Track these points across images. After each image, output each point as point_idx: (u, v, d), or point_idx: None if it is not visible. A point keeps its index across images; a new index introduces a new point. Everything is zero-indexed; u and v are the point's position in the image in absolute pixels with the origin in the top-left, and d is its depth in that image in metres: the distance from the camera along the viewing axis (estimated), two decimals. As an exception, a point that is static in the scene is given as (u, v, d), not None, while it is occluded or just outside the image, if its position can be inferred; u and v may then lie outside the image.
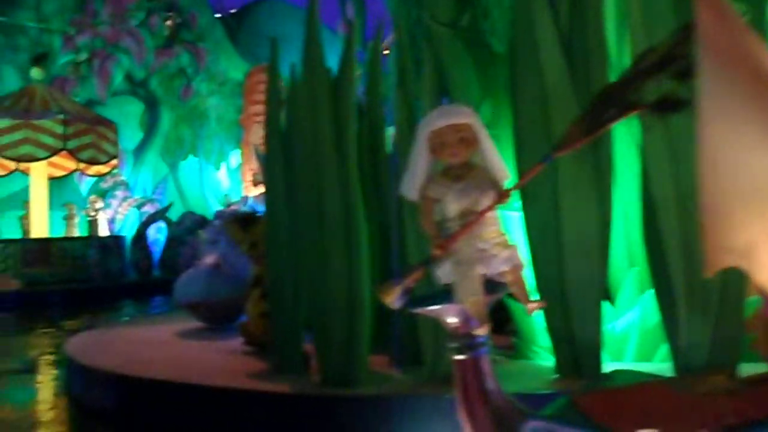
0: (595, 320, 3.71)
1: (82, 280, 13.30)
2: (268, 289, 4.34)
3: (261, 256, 4.89)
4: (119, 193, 16.65)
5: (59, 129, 13.57)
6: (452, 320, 2.61)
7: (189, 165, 19.39)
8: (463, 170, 2.46)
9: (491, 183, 2.47)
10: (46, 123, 13.53)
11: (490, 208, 2.46)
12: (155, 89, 18.16)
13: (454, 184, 2.45)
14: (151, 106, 18.33)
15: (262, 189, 7.08)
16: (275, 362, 4.24)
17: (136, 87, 18.03)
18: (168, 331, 6.11)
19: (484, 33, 4.42)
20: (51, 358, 6.99)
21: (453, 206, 2.41)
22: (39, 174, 14.39)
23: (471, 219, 2.41)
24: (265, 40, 18.86)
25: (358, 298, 3.72)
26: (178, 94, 18.49)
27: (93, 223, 15.23)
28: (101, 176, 16.11)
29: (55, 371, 6.24)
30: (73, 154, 13.85)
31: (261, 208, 7.00)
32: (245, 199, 7.12)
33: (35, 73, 14.41)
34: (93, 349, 5.44)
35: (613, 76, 3.79)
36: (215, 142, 19.53)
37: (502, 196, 2.41)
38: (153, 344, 5.50)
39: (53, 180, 14.90)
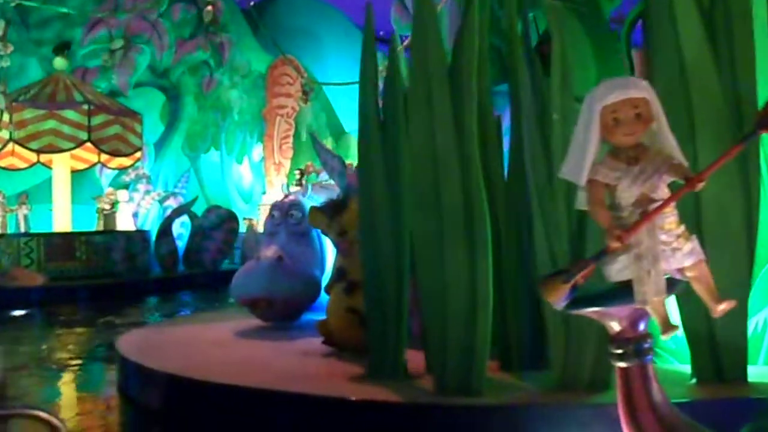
0: (740, 319, 3.34)
1: (108, 275, 12.93)
2: (364, 284, 3.95)
3: (349, 247, 4.53)
4: (141, 187, 16.28)
5: (83, 119, 13.17)
6: (617, 323, 2.31)
7: (211, 158, 19.02)
8: (637, 151, 2.14)
9: (670, 166, 2.15)
10: (70, 113, 13.13)
11: (679, 195, 2.14)
12: (177, 81, 17.78)
13: (630, 168, 2.14)
14: (173, 98, 17.94)
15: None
16: (371, 365, 3.87)
17: (157, 78, 17.65)
18: (226, 330, 5.73)
19: (600, 6, 4.04)
20: (93, 356, 6.66)
21: (628, 192, 2.10)
22: (62, 166, 14.02)
23: (653, 207, 2.11)
24: (287, 32, 18.46)
25: (481, 296, 3.34)
26: (200, 85, 18.10)
27: (109, 217, 14.85)
28: (123, 169, 15.75)
29: (103, 369, 5.90)
30: (96, 145, 13.46)
31: (319, 199, 6.63)
32: (305, 188, 6.72)
33: (58, 62, 14.02)
34: (149, 348, 5.07)
35: (760, 47, 3.44)
36: (237, 135, 19.14)
37: (693, 181, 2.09)
38: (215, 344, 5.13)
39: (74, 173, 14.53)
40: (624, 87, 2.16)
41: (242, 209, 17.95)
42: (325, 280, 5.50)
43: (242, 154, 19.40)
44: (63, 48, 14.25)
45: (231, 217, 14.87)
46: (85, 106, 13.20)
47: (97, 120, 13.38)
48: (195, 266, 14.72)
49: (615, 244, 2.05)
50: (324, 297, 5.02)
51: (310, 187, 6.46)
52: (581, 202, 2.20)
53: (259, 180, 19.49)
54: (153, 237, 14.29)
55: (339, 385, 3.71)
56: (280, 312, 5.64)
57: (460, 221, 3.40)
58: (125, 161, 14.96)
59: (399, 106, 3.83)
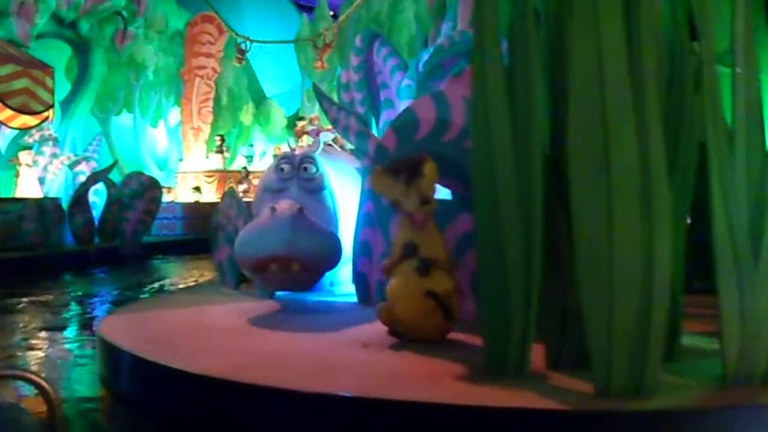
0: None
1: (17, 247, 11.45)
2: (479, 264, 3.23)
3: (425, 219, 3.79)
4: (47, 150, 14.58)
5: (-15, 70, 11.49)
6: None
7: (122, 121, 17.43)
8: None
9: None
10: (-32, 63, 11.43)
11: None
12: (87, 33, 16.02)
13: None
14: (82, 52, 16.18)
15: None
16: (488, 361, 3.19)
17: (64, 29, 15.83)
18: (233, 313, 4.88)
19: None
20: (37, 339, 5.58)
21: None
22: (-43, 123, 12.23)
23: None
24: None
25: (658, 280, 2.73)
26: (112, 40, 16.41)
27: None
28: (26, 129, 14.00)
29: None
30: (2, 100, 11.80)
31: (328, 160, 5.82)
32: (317, 142, 5.90)
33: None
34: (153, 339, 4.15)
35: None
36: (152, 96, 17.61)
37: None
38: (235, 333, 4.27)
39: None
40: None
41: (157, 177, 16.53)
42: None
43: (157, 117, 17.89)
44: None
45: (153, 185, 13.57)
46: (-12, 55, 11.51)
47: (2, 71, 11.71)
48: (112, 239, 13.38)
49: None
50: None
51: (322, 143, 5.63)
52: None
53: (175, 146, 18.06)
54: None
55: (457, 389, 3.00)
56: (297, 276, 4.80)
57: (635, 188, 2.77)
58: (30, 120, 13.18)
59: (532, 45, 3.13)
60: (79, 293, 8.84)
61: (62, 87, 16.00)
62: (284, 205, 4.78)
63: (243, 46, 13.71)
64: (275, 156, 6.14)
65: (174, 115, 17.90)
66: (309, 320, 4.62)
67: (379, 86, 8.23)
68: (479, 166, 3.23)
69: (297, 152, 5.39)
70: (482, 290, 3.24)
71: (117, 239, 13.36)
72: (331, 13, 20.46)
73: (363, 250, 5.23)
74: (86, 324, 6.40)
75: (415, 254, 3.81)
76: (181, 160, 17.46)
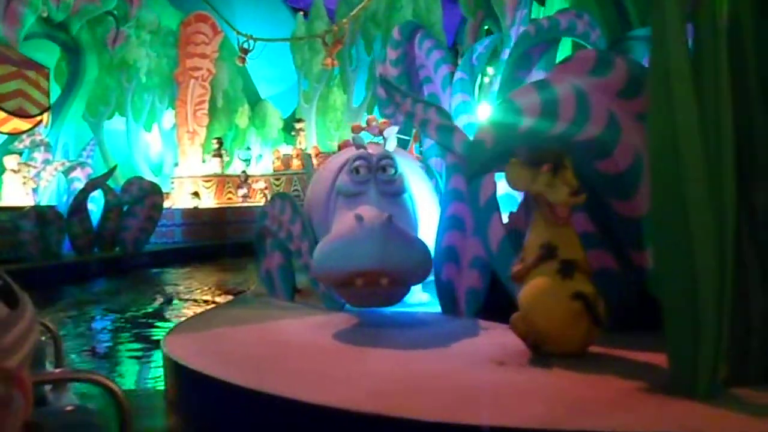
0: None
1: (14, 259, 10.77)
2: (662, 267, 2.78)
3: (567, 216, 3.34)
4: (39, 155, 13.87)
5: (-22, 71, 10.85)
6: None
7: (114, 125, 16.72)
8: None
9: None
10: (-39, 64, 10.78)
11: None
12: (77, 34, 15.29)
13: None
14: (72, 54, 15.44)
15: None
16: (676, 379, 2.74)
17: (53, 30, 15.10)
18: (311, 329, 4.39)
19: None
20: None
21: None
22: (-52, 128, 11.54)
23: None
24: None
25: None
26: (103, 41, 15.70)
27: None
28: (17, 134, 13.31)
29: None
30: (-4, 102, 11.14)
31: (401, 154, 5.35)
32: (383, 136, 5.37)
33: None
34: (235, 361, 3.66)
35: None
36: (145, 99, 16.92)
37: None
38: (334, 354, 3.77)
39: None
40: None
41: (152, 183, 15.87)
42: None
43: (151, 120, 17.20)
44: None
45: (155, 191, 12.96)
46: (-19, 55, 10.86)
47: (-5, 72, 11.05)
48: (111, 248, 12.73)
49: None
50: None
51: (390, 141, 5.12)
52: None
53: (170, 150, 17.38)
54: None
55: (652, 414, 2.55)
56: (386, 291, 4.32)
57: None
58: (21, 125, 12.57)
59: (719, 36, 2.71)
60: (103, 317, 8.26)
61: (52, 90, 15.27)
62: (371, 213, 4.27)
63: (246, 45, 13.16)
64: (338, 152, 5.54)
65: (168, 118, 17.23)
66: (407, 336, 4.13)
67: (421, 80, 7.76)
68: (661, 165, 2.79)
69: (372, 150, 4.87)
70: (667, 301, 2.79)
71: (117, 248, 12.72)
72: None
73: (448, 255, 4.75)
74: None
75: (554, 256, 3.35)
76: (176, 164, 16.78)
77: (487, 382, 3.05)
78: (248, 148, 17.24)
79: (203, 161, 16.73)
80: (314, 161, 15.71)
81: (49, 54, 14.92)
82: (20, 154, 13.86)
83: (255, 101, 18.75)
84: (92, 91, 15.69)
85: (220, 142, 16.62)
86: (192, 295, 9.12)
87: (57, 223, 11.52)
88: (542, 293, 3.34)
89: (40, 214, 11.25)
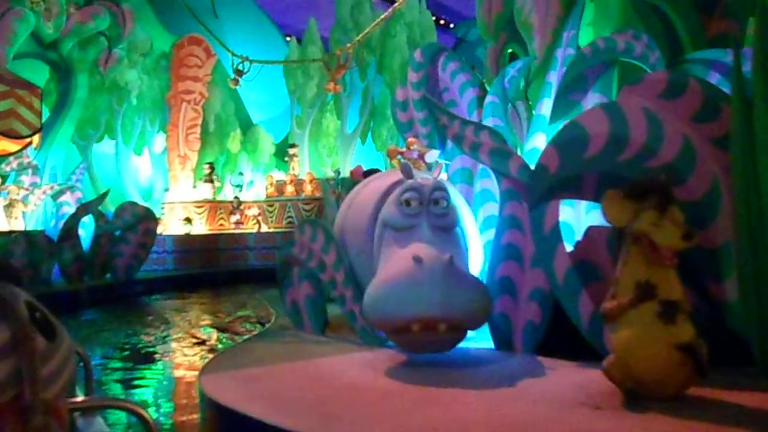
0: None
1: (2, 286, 10.21)
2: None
3: (675, 257, 3.02)
4: (26, 179, 13.36)
5: (-31, 90, 10.42)
6: None
7: (103, 148, 16.26)
8: None
9: None
10: (-50, 82, 10.33)
11: None
12: (68, 55, 14.88)
13: None
14: (62, 74, 15.01)
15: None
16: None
17: (44, 50, 14.69)
18: (354, 367, 4.04)
19: None
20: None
21: None
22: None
23: None
24: (180, 10, 16.04)
25: None
26: (94, 62, 15.28)
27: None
28: (4, 156, 12.82)
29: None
30: (-13, 123, 10.69)
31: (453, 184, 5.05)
32: (437, 165, 5.00)
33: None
34: (277, 404, 3.31)
35: None
36: (136, 122, 16.48)
37: None
38: (391, 397, 3.43)
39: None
40: None
41: (141, 208, 15.37)
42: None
43: (141, 144, 16.74)
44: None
45: (148, 216, 12.47)
46: (-27, 74, 10.43)
47: (-14, 91, 10.62)
48: (101, 275, 12.21)
49: None
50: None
51: (438, 166, 4.80)
52: None
53: (160, 174, 16.91)
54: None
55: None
56: (443, 338, 4.00)
57: None
58: (9, 146, 12.11)
59: None
60: (106, 348, 7.80)
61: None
62: (431, 254, 3.95)
63: (240, 67, 12.86)
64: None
65: (159, 141, 16.80)
66: (471, 376, 3.79)
67: (445, 104, 7.52)
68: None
69: (422, 180, 4.53)
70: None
71: (108, 275, 12.21)
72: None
73: (504, 287, 4.44)
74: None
75: (653, 296, 3.05)
76: (166, 189, 16.31)
77: (589, 430, 2.73)
78: (240, 174, 16.84)
79: (194, 186, 16.29)
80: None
81: (37, 74, 14.48)
82: (5, 178, 13.35)
83: (247, 126, 18.40)
84: (82, 113, 15.24)
85: (212, 167, 16.21)
86: (193, 324, 8.69)
87: (47, 249, 11.02)
88: (642, 340, 3.03)
89: (30, 239, 10.75)
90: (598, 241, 4.11)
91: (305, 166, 17.80)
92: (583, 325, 3.91)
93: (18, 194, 12.70)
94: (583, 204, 4.71)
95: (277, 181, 16.21)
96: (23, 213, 12.66)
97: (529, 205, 4.18)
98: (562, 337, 4.14)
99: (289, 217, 15.64)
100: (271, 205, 15.80)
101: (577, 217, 4.79)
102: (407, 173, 4.60)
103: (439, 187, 4.44)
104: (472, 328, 4.14)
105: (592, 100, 4.82)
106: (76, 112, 15.05)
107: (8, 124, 11.02)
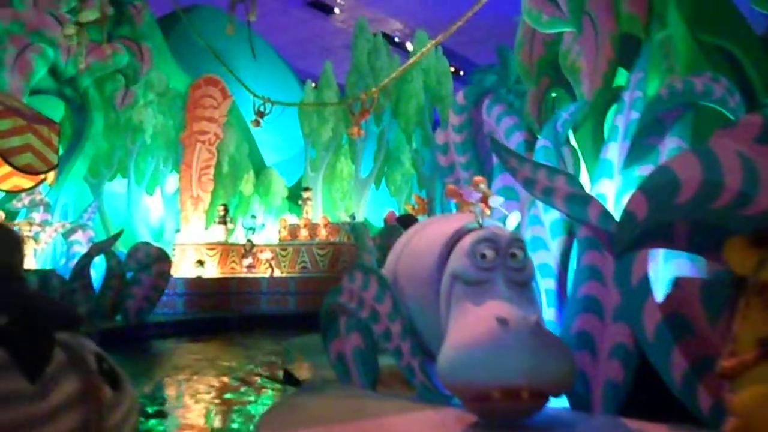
0: None
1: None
2: None
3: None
4: (37, 216, 13.05)
5: (-12, 124, 10.13)
6: None
7: (114, 187, 15.98)
8: None
9: None
10: (-32, 115, 10.06)
11: None
12: (84, 91, 14.71)
13: None
14: (78, 111, 14.82)
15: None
16: None
17: (61, 85, 14.53)
18: (430, 428, 3.68)
19: None
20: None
21: None
22: (-51, 184, 10.72)
23: None
24: (197, 51, 15.94)
25: None
26: (111, 99, 15.11)
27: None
28: (16, 192, 12.51)
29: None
30: (5, 158, 10.38)
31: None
32: (513, 214, 4.71)
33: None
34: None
35: None
36: (149, 161, 16.24)
37: None
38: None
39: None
40: None
41: (151, 249, 15.00)
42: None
43: (153, 184, 16.47)
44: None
45: (162, 258, 12.14)
46: (-8, 107, 10.17)
47: (4, 124, 10.33)
48: (111, 317, 11.82)
49: None
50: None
51: (514, 215, 4.51)
52: None
53: (172, 215, 16.60)
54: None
55: None
56: (525, 406, 3.65)
57: None
58: (23, 182, 11.65)
59: None
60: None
61: (53, 148, 14.56)
62: (516, 316, 3.63)
63: (262, 108, 12.67)
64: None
65: (172, 182, 16.53)
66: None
67: (490, 148, 7.27)
68: None
69: (498, 230, 4.24)
70: None
71: (119, 318, 11.81)
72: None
73: (581, 342, 4.11)
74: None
75: (783, 353, 2.73)
76: (178, 230, 15.97)
77: None
78: (253, 216, 16.52)
79: (206, 228, 15.96)
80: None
81: (53, 110, 14.28)
82: (15, 213, 13.05)
83: (260, 168, 18.18)
84: (95, 151, 15.01)
85: (226, 209, 15.89)
86: (209, 372, 8.28)
87: (60, 289, 10.65)
88: (765, 402, 2.70)
89: (43, 279, 10.39)
90: (690, 292, 3.81)
91: (318, 210, 17.52)
92: (676, 384, 3.59)
93: (30, 231, 12.38)
94: (661, 252, 4.42)
95: (290, 224, 15.89)
96: (34, 251, 12.32)
97: (614, 255, 3.88)
98: (649, 397, 3.82)
99: (302, 261, 15.28)
100: (284, 249, 15.45)
101: (655, 267, 4.49)
102: (479, 222, 4.31)
103: (517, 239, 4.13)
104: (557, 395, 3.79)
105: (669, 144, 4.56)
106: (90, 149, 14.81)
107: (25, 159, 10.68)
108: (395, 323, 4.72)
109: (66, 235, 12.88)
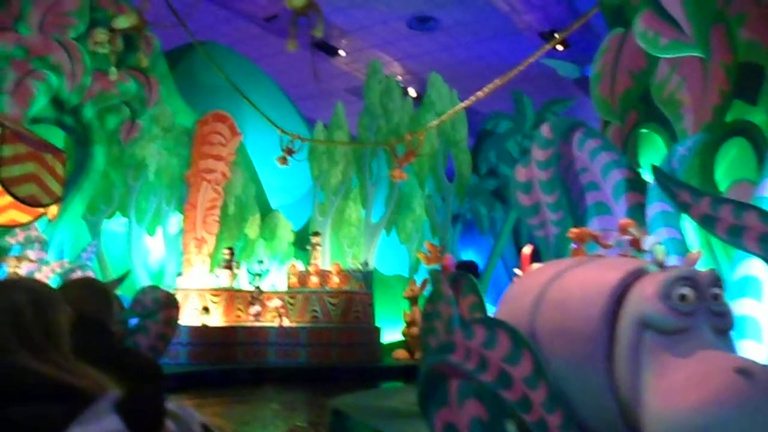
0: None
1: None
2: None
3: None
4: (31, 254, 11.94)
5: (-11, 150, 9.15)
6: None
7: (112, 226, 14.93)
8: None
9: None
10: (-32, 140, 9.08)
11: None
12: (88, 122, 13.77)
13: None
14: (80, 143, 13.85)
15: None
16: None
17: (63, 115, 13.59)
18: None
19: None
20: None
21: None
22: (-60, 215, 9.65)
23: None
24: (205, 88, 15.20)
25: None
26: (115, 132, 14.18)
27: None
28: (12, 227, 11.44)
29: None
30: (6, 187, 9.36)
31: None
32: (691, 256, 3.86)
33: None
34: None
35: None
36: (151, 200, 15.23)
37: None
38: None
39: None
40: None
41: (149, 293, 13.87)
42: None
43: (155, 224, 15.42)
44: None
45: (170, 303, 11.00)
46: (-4, 131, 9.20)
47: (7, 150, 9.35)
48: (112, 368, 10.65)
49: None
50: None
51: (692, 256, 3.67)
52: None
53: (173, 257, 15.51)
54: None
55: None
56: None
57: None
58: (19, 216, 10.55)
59: None
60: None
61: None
62: (756, 366, 2.83)
63: (290, 145, 11.87)
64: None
65: (174, 222, 15.51)
66: None
67: (583, 187, 6.45)
68: None
69: (702, 270, 3.41)
70: None
71: (120, 370, 10.65)
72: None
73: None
74: None
75: None
76: (179, 274, 14.85)
77: None
78: (260, 262, 15.46)
79: (211, 271, 14.87)
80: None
81: (51, 141, 13.29)
82: (8, 249, 11.95)
83: (265, 211, 17.23)
84: (96, 186, 14.00)
85: (232, 252, 14.84)
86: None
87: (60, 335, 9.52)
88: None
89: (43, 323, 9.25)
90: None
91: (326, 256, 16.58)
92: None
93: (19, 267, 11.28)
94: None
95: (299, 271, 14.90)
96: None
97: None
98: None
99: (313, 310, 14.25)
100: (292, 297, 14.43)
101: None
102: (660, 261, 3.46)
103: (717, 277, 3.31)
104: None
105: None
106: (90, 185, 13.79)
107: (28, 190, 9.62)
108: (537, 390, 3.80)
109: (64, 275, 11.77)
